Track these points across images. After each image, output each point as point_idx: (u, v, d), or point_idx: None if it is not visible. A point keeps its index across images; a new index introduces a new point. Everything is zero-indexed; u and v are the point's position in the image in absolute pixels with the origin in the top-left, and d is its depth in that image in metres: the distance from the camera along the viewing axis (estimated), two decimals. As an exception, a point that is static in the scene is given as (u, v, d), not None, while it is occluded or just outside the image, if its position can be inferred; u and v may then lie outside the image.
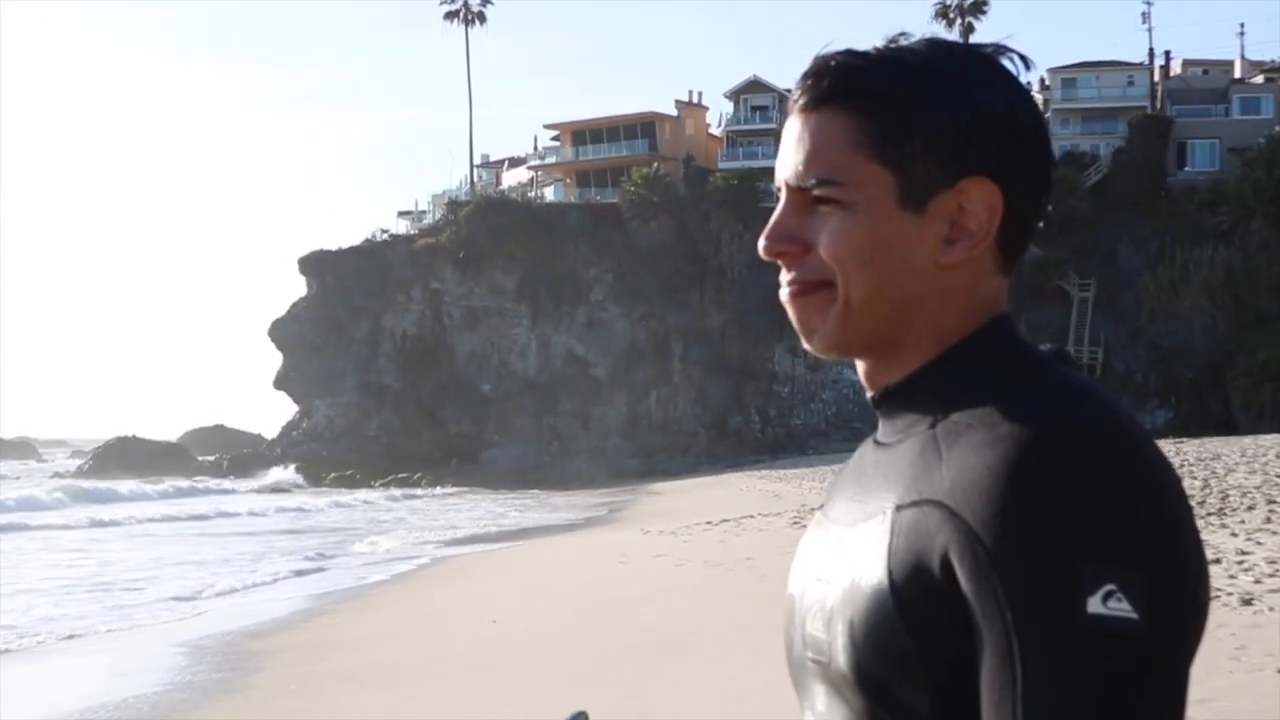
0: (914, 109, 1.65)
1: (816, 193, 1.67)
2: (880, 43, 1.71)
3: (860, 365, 1.76)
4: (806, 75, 1.70)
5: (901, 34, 1.71)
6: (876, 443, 1.75)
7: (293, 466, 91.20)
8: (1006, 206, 1.66)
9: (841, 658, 1.60)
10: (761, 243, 1.72)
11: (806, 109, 1.70)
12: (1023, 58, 1.73)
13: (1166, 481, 1.51)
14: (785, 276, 1.72)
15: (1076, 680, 1.42)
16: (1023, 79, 1.72)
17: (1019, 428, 1.51)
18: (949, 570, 1.50)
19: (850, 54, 1.69)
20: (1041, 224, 1.74)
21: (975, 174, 1.65)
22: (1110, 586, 1.42)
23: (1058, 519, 1.44)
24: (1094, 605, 1.42)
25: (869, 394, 1.76)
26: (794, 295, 1.71)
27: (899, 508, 1.58)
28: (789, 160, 1.71)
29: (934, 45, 1.70)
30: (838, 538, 1.70)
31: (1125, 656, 1.42)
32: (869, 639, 1.56)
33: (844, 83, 1.67)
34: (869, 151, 1.65)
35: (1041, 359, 1.66)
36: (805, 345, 1.74)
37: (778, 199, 1.74)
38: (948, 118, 1.65)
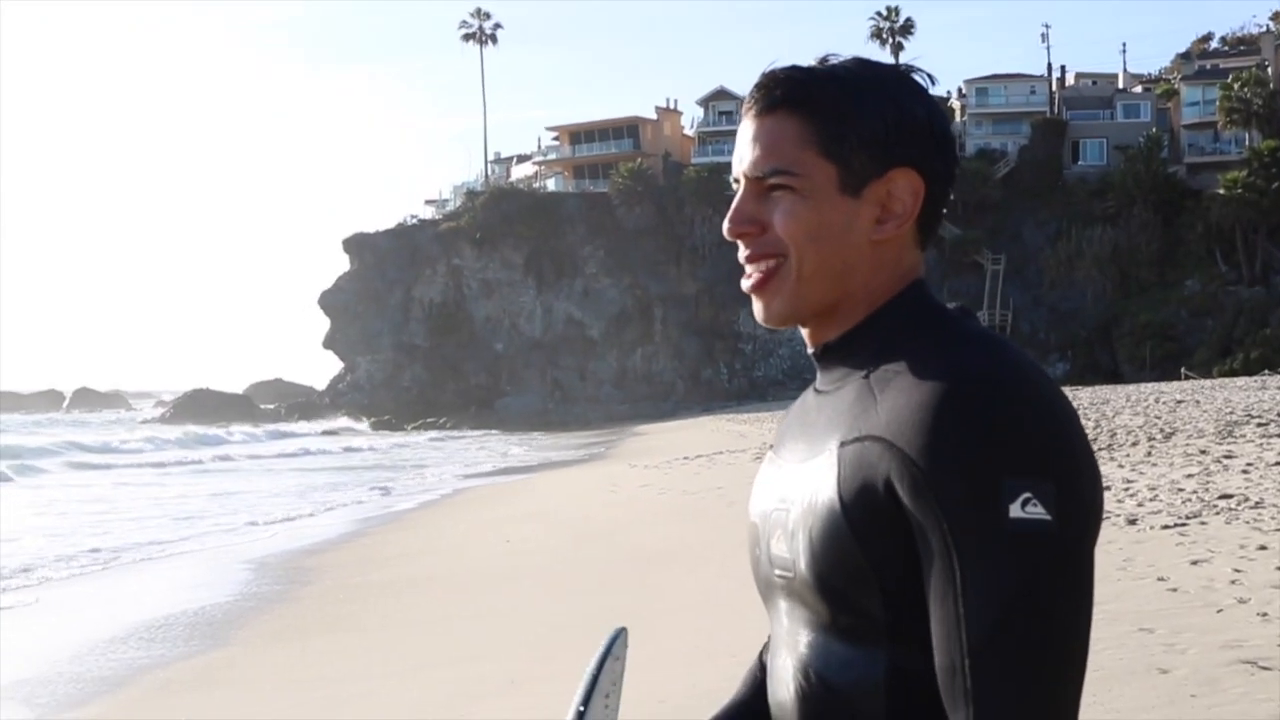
0: (851, 114, 1.69)
1: (772, 181, 1.70)
2: (815, 61, 1.75)
3: (804, 328, 1.78)
4: (759, 86, 1.73)
5: (831, 54, 1.75)
6: (817, 390, 1.78)
7: (342, 415, 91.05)
8: (925, 193, 1.71)
9: (804, 570, 1.62)
10: (725, 225, 1.75)
11: (760, 114, 1.72)
12: (929, 75, 1.77)
13: (1063, 408, 1.54)
14: (744, 254, 1.74)
15: (1005, 573, 1.45)
16: (931, 91, 1.76)
17: (940, 370, 1.55)
18: (892, 492, 1.53)
19: (796, 69, 1.72)
20: (945, 210, 1.77)
21: (901, 166, 1.69)
22: (1027, 494, 1.46)
23: (979, 442, 1.47)
24: (1015, 510, 1.45)
25: (810, 350, 1.78)
26: (757, 285, 1.74)
27: (843, 444, 1.61)
28: (746, 156, 1.73)
29: (863, 63, 1.73)
30: (790, 472, 1.72)
31: (1043, 551, 1.46)
32: (826, 553, 1.59)
33: (793, 92, 1.70)
34: (815, 148, 1.69)
35: (951, 315, 1.70)
36: (762, 320, 1.76)
37: (736, 190, 1.76)
38: (879, 120, 1.68)
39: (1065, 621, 1.47)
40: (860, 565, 1.56)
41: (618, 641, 2.05)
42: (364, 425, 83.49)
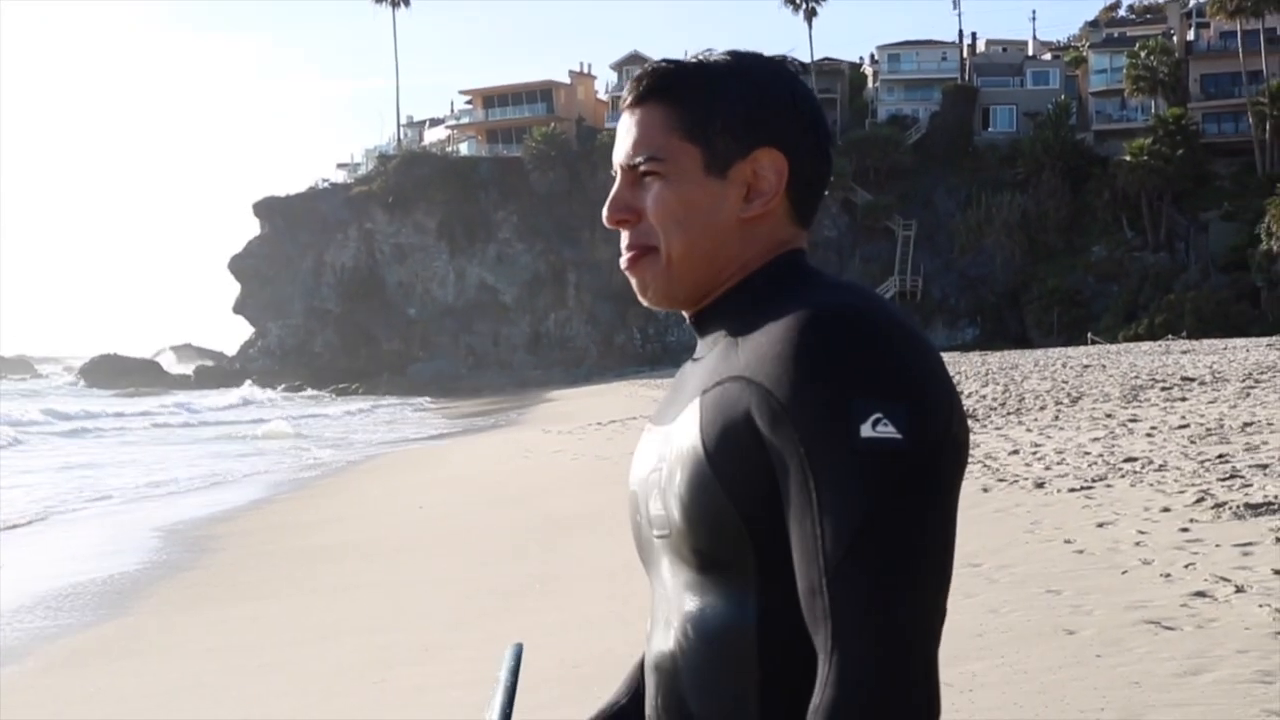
0: (714, 98, 1.74)
1: (642, 169, 1.76)
2: (691, 57, 1.80)
3: (684, 310, 1.82)
4: (633, 80, 1.81)
5: (709, 50, 1.81)
6: (694, 360, 1.82)
7: (249, 382, 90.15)
8: (791, 170, 1.75)
9: (679, 522, 1.65)
10: (605, 213, 1.81)
11: (632, 105, 1.79)
12: (802, 64, 1.86)
13: (919, 339, 1.59)
14: (624, 242, 1.80)
15: (858, 491, 1.48)
16: (802, 78, 1.82)
17: (799, 309, 1.60)
18: (752, 427, 1.57)
19: (666, 62, 1.79)
20: (824, 189, 1.82)
21: (765, 145, 1.74)
22: (877, 415, 1.49)
23: (830, 366, 1.52)
24: (865, 430, 1.49)
25: (688, 321, 1.83)
26: (630, 262, 1.79)
27: (704, 391, 1.66)
28: (621, 146, 1.79)
29: (734, 54, 1.79)
30: (663, 436, 1.75)
31: (894, 469, 1.48)
32: (695, 501, 1.62)
33: (660, 81, 1.77)
34: (680, 133, 1.74)
35: (819, 275, 1.74)
36: (641, 299, 1.81)
37: (614, 180, 1.81)
38: (740, 103, 1.74)
39: (920, 539, 1.49)
40: (725, 507, 1.59)
41: (521, 658, 2.04)
42: (274, 393, 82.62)
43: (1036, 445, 16.56)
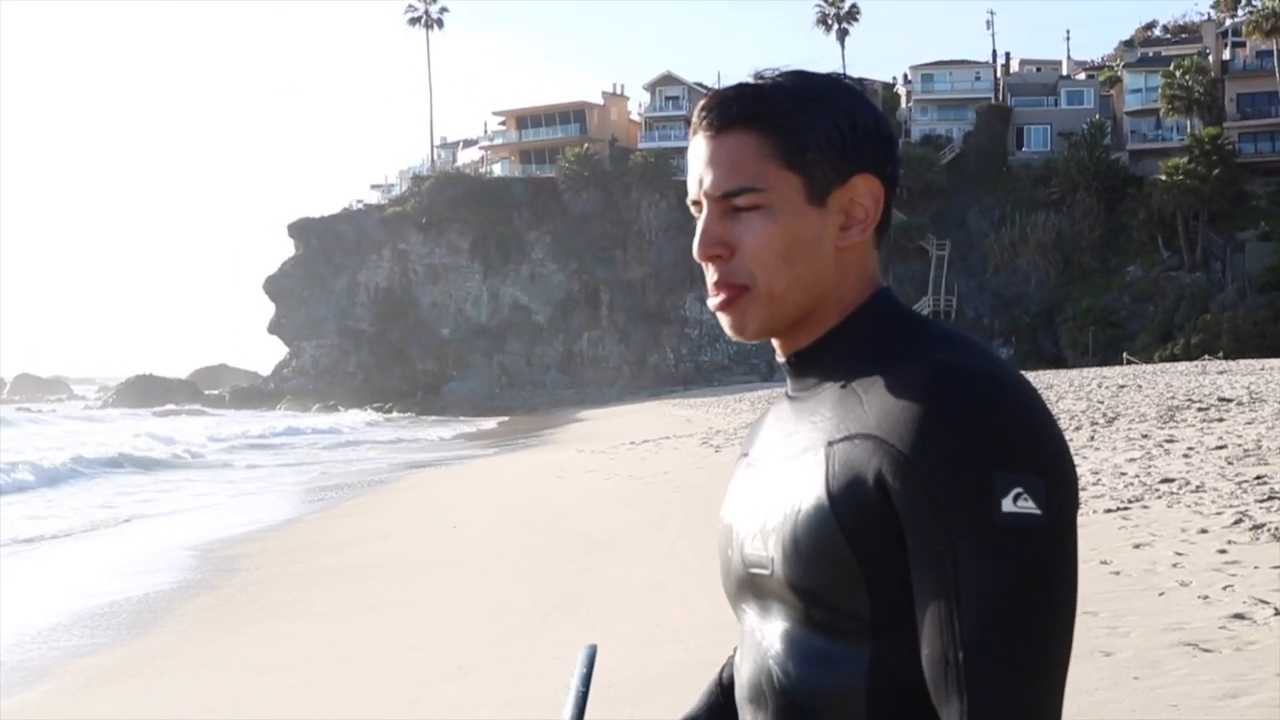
0: (808, 124, 1.69)
1: (739, 201, 1.69)
2: (751, 78, 1.75)
3: (776, 339, 1.77)
4: (711, 106, 1.72)
5: (768, 68, 1.75)
6: (790, 397, 1.78)
7: (286, 401, 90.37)
8: (884, 196, 1.73)
9: (782, 568, 1.63)
10: (696, 248, 1.73)
11: (716, 133, 1.71)
12: (860, 84, 1.80)
13: (1042, 405, 1.57)
14: (712, 278, 1.73)
15: (999, 566, 1.48)
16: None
17: (927, 368, 1.58)
18: (882, 488, 1.54)
19: (746, 86, 1.72)
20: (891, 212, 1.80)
21: (861, 172, 1.71)
22: (1018, 489, 1.48)
23: (972, 437, 1.50)
24: (1007, 505, 1.48)
25: (781, 358, 1.78)
26: (726, 304, 1.72)
27: (830, 443, 1.62)
28: (706, 176, 1.71)
29: (803, 75, 1.74)
30: (768, 474, 1.72)
31: (1035, 545, 1.48)
32: (812, 551, 1.59)
33: (748, 107, 1.70)
34: (777, 161, 1.68)
35: (922, 319, 1.72)
36: (733, 336, 1.75)
37: (696, 215, 1.75)
38: (834, 128, 1.70)
39: (1055, 614, 1.50)
40: (847, 561, 1.57)
41: (595, 659, 2.03)
42: (308, 413, 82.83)
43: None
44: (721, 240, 1.70)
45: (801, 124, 1.69)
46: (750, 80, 1.74)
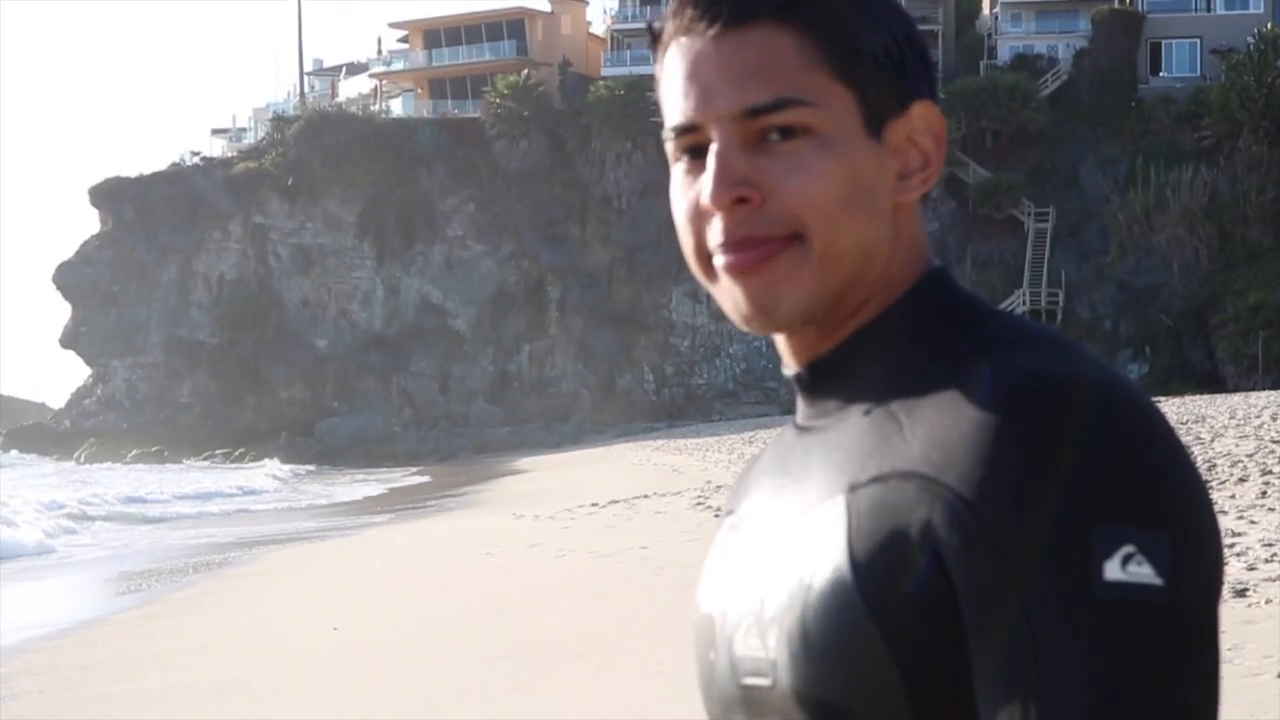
0: (861, 26, 1.69)
1: (778, 119, 1.66)
2: None
3: (791, 338, 1.74)
4: None
5: None
6: (799, 427, 1.76)
7: (89, 445, 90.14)
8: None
9: (788, 675, 1.60)
10: (709, 189, 1.66)
11: (735, 24, 1.67)
12: None
13: (1169, 430, 1.55)
14: (728, 234, 1.67)
15: (1099, 657, 1.43)
16: None
17: (999, 378, 1.54)
18: (933, 550, 1.51)
19: None
20: None
21: (920, 98, 1.72)
22: (1129, 549, 1.44)
23: (1062, 474, 1.47)
24: (1112, 571, 1.44)
25: (791, 369, 1.76)
26: (755, 261, 1.66)
27: (853, 488, 1.59)
28: (722, 88, 1.67)
29: None
30: (765, 539, 1.70)
31: (1151, 627, 1.44)
32: (830, 646, 1.57)
33: None
34: (828, 69, 1.67)
35: (992, 310, 1.70)
36: (749, 324, 1.70)
37: (678, 155, 1.71)
38: (890, 37, 1.70)
39: None
40: (880, 660, 1.54)
41: None
42: (120, 464, 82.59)
43: (1236, 535, 16.49)
44: (749, 179, 1.66)
45: (853, 23, 1.68)
46: None
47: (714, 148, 1.67)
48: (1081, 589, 1.44)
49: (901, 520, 1.53)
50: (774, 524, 1.70)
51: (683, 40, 1.70)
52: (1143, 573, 1.44)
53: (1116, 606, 1.44)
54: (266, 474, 69.05)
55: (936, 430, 1.54)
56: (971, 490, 1.49)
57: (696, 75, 1.68)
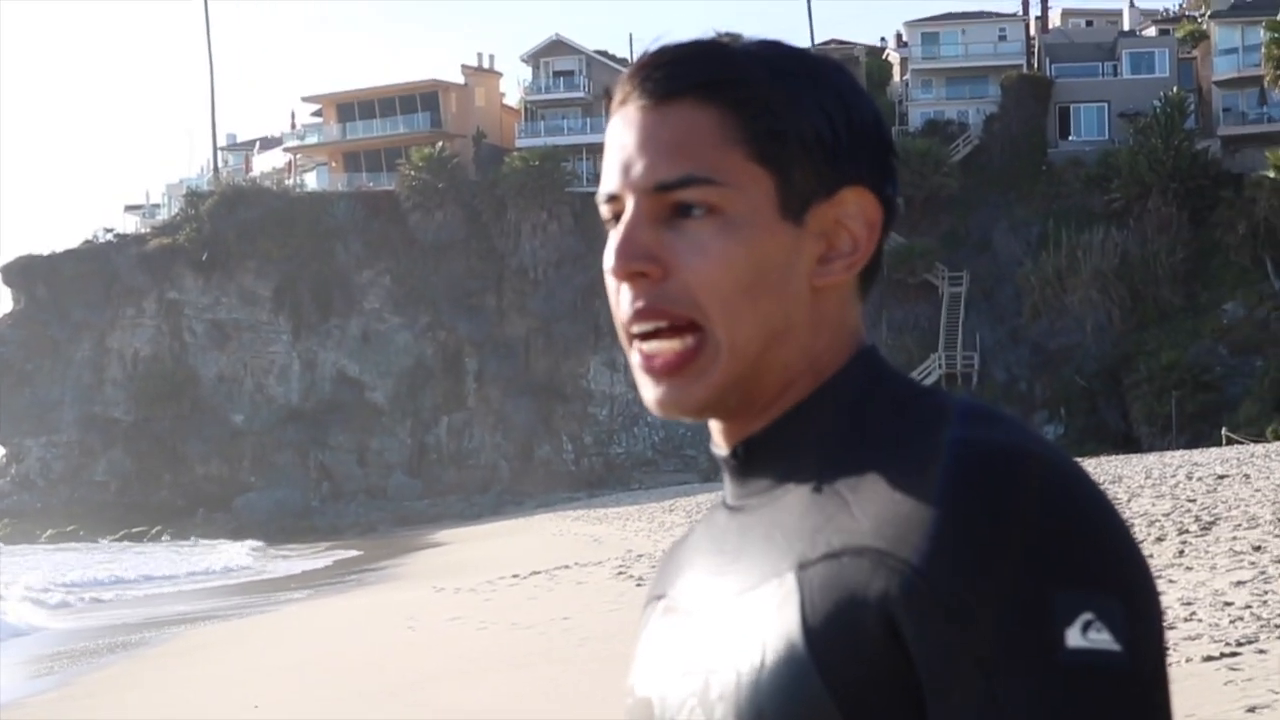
0: (788, 105, 1.68)
1: (684, 195, 1.66)
2: (713, 36, 1.73)
3: (717, 421, 1.73)
4: (651, 64, 1.69)
5: (729, 32, 1.74)
6: (729, 507, 1.74)
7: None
8: (883, 222, 1.73)
9: None
10: (610, 261, 1.67)
11: (657, 102, 1.68)
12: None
13: (1106, 496, 1.56)
14: (631, 306, 1.67)
15: None
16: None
17: (945, 450, 1.55)
18: (888, 624, 1.51)
19: (703, 43, 1.71)
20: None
21: (853, 184, 1.70)
22: (1088, 615, 1.45)
23: (1018, 543, 1.47)
24: (1073, 638, 1.45)
25: (721, 452, 1.74)
26: (667, 369, 1.67)
27: (803, 565, 1.58)
28: (637, 161, 1.67)
29: (782, 46, 1.73)
30: (704, 620, 1.68)
31: (1113, 693, 1.45)
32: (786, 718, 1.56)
33: (709, 71, 1.67)
34: (745, 149, 1.66)
35: (925, 389, 1.70)
36: (661, 411, 1.70)
37: (612, 217, 1.70)
38: (824, 118, 1.69)
39: None
40: None
41: None
42: (34, 545, 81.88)
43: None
44: (651, 253, 1.66)
45: (781, 104, 1.67)
46: (710, 37, 1.72)
47: (624, 218, 1.67)
48: (1045, 657, 1.45)
49: (857, 595, 1.52)
50: (714, 604, 1.68)
51: (623, 109, 1.70)
52: (1102, 639, 1.45)
53: (1081, 672, 1.44)
54: (243, 551, 68.55)
55: (886, 506, 1.53)
56: (927, 563, 1.49)
57: (622, 146, 1.68)
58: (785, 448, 1.69)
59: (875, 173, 1.71)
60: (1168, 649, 1.55)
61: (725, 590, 1.67)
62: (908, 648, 1.49)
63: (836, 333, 1.71)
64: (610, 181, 1.69)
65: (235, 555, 64.65)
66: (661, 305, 1.66)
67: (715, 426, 1.73)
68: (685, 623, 1.71)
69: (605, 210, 1.70)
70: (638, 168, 1.67)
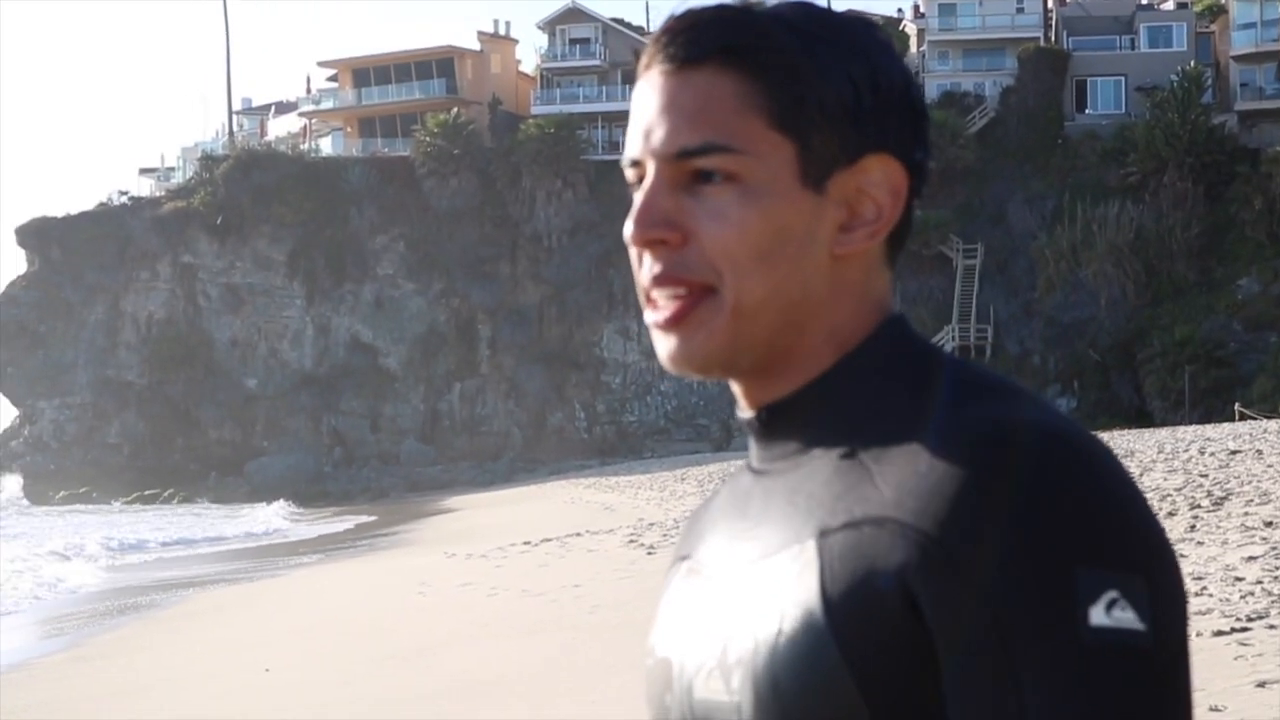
0: (813, 71, 1.67)
1: (703, 163, 1.66)
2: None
3: (736, 383, 1.74)
4: (675, 29, 1.69)
5: None
6: (754, 470, 1.75)
7: (17, 480, 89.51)
8: (909, 190, 1.71)
9: (753, 718, 1.58)
10: (629, 229, 1.68)
11: (678, 68, 1.68)
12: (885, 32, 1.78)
13: (1129, 474, 1.55)
14: (651, 271, 1.68)
15: (1086, 706, 1.43)
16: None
17: (969, 424, 1.56)
18: (905, 592, 1.51)
19: (727, 8, 1.70)
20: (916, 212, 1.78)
21: (877, 151, 1.69)
22: (1112, 593, 1.45)
23: (1044, 519, 1.47)
24: (1097, 616, 1.44)
25: (746, 415, 1.75)
26: (673, 320, 1.68)
27: (824, 533, 1.58)
28: (657, 128, 1.68)
29: (809, 7, 1.72)
30: (725, 584, 1.68)
31: (1138, 674, 1.45)
32: (800, 688, 1.55)
33: (731, 37, 1.67)
34: (766, 116, 1.66)
35: (951, 360, 1.69)
36: (674, 367, 1.71)
37: (637, 181, 1.71)
38: (848, 84, 1.67)
39: None
40: (853, 705, 1.53)
41: None
42: (47, 505, 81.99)
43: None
44: (670, 220, 1.67)
45: (804, 69, 1.67)
46: (735, 1, 1.71)
47: (644, 185, 1.69)
48: (1068, 634, 1.44)
49: (877, 565, 1.52)
50: (735, 568, 1.68)
51: (648, 74, 1.70)
52: (1126, 618, 1.45)
53: (1104, 651, 1.44)
54: (275, 515, 68.64)
55: (909, 477, 1.54)
56: (948, 536, 1.49)
57: (645, 111, 1.69)
58: (809, 414, 1.69)
59: (904, 138, 1.70)
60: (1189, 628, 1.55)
61: (746, 555, 1.67)
62: (925, 621, 1.49)
63: (860, 301, 1.71)
64: (633, 147, 1.70)
65: (269, 518, 64.81)
66: (679, 273, 1.66)
67: (738, 389, 1.74)
68: (706, 586, 1.71)
69: (630, 175, 1.71)
70: (658, 134, 1.67)
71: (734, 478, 1.79)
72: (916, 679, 1.51)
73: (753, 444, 1.75)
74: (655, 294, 1.68)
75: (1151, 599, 1.47)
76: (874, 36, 1.72)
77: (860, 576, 1.53)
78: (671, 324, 1.67)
